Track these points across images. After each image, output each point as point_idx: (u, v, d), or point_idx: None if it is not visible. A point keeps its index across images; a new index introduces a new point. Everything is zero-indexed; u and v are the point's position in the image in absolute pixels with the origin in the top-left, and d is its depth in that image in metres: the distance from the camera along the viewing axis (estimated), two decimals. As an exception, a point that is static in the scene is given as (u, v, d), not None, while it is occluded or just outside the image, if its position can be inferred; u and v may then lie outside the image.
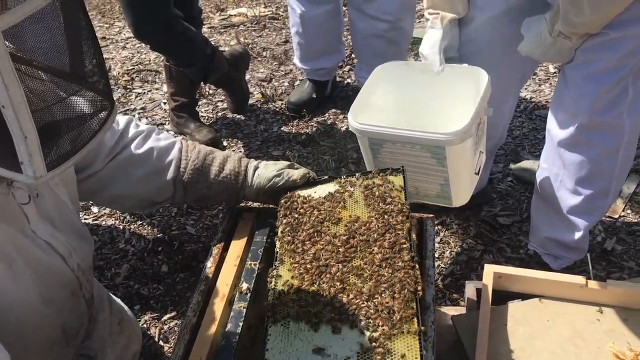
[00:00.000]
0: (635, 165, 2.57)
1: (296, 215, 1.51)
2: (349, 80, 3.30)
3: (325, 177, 1.63)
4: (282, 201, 1.58)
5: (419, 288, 1.28)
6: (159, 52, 3.05)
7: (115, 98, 3.22)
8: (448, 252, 2.28)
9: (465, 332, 1.65)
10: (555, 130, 1.87)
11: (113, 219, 2.44)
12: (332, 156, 2.74)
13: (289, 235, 1.47)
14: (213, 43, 3.64)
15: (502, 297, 1.74)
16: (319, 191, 1.58)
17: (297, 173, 1.63)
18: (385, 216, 1.44)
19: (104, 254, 2.29)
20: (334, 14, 2.85)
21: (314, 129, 2.95)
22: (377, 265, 1.33)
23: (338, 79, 3.29)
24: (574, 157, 1.85)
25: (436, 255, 2.26)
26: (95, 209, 2.48)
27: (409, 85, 1.89)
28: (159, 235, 2.36)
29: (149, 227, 2.40)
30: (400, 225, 1.40)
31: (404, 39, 2.82)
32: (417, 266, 1.33)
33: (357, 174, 1.61)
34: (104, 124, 1.12)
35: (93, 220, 2.44)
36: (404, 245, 1.36)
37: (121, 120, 1.64)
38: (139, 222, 2.42)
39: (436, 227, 2.37)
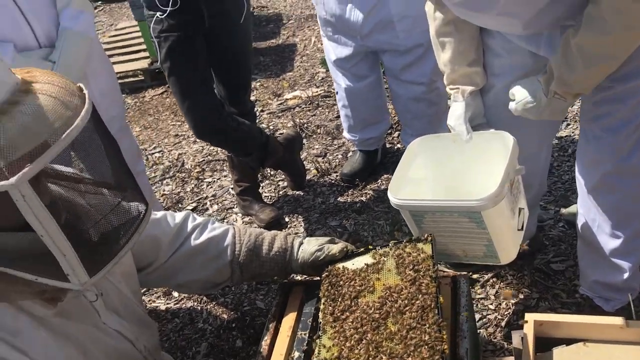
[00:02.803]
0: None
1: (336, 287, 1.69)
2: (399, 146, 3.48)
3: (362, 249, 1.80)
4: (324, 274, 1.76)
5: (445, 347, 1.41)
6: (219, 147, 3.40)
7: (189, 189, 3.56)
8: (504, 303, 2.35)
9: (513, 382, 1.73)
10: (583, 179, 1.96)
11: (192, 301, 2.70)
12: (387, 220, 2.90)
13: (330, 306, 1.64)
14: (271, 126, 3.98)
15: (550, 343, 1.81)
16: (357, 263, 1.75)
17: (336, 247, 1.81)
18: (416, 283, 1.58)
19: (185, 334, 2.54)
20: (375, 85, 3.08)
21: (368, 196, 3.14)
22: (407, 329, 1.47)
23: (388, 145, 3.49)
24: (605, 202, 1.92)
25: (492, 307, 2.34)
26: (175, 294, 2.75)
27: (442, 156, 2.02)
28: (232, 313, 2.59)
29: (223, 306, 2.63)
30: (427, 289, 1.55)
31: (441, 98, 2.97)
32: (443, 326, 1.46)
33: (390, 244, 1.77)
34: (138, 227, 1.29)
35: (174, 304, 2.70)
36: (432, 309, 1.50)
37: (178, 216, 1.88)
38: (214, 302, 2.66)
39: (491, 280, 2.45)
